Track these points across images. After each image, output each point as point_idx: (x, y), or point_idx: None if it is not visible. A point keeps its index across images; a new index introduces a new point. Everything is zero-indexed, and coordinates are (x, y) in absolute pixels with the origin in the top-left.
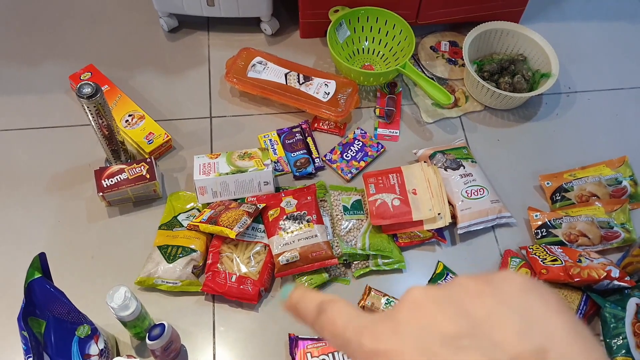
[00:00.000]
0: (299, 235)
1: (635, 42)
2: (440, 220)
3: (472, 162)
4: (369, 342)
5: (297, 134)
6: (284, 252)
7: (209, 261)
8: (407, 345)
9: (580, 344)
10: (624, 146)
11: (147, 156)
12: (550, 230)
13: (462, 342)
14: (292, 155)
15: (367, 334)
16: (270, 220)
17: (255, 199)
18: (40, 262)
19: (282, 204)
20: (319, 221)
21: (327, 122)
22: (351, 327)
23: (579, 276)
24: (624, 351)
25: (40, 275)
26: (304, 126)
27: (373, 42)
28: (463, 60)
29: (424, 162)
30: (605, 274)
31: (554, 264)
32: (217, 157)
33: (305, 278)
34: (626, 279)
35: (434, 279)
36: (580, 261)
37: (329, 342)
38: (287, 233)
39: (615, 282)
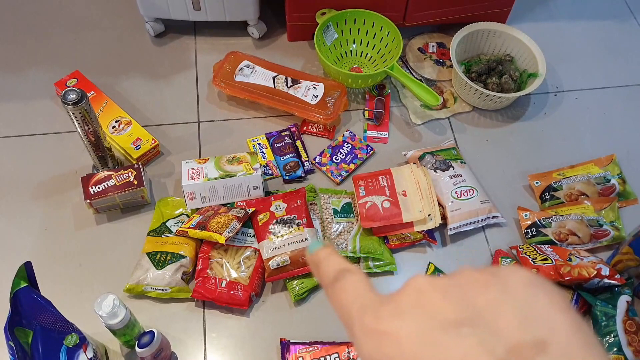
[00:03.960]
0: (289, 239)
1: (622, 41)
2: (430, 221)
3: (462, 162)
4: (370, 321)
5: (286, 138)
6: (274, 256)
7: (199, 267)
8: (406, 329)
9: (581, 340)
10: (611, 144)
11: (134, 162)
12: (540, 229)
13: (463, 330)
14: (282, 158)
15: (370, 314)
16: (260, 224)
17: (244, 203)
18: (26, 271)
19: (272, 208)
20: (309, 225)
21: (316, 125)
22: (358, 303)
23: (570, 275)
24: (615, 349)
25: (26, 284)
26: (292, 129)
27: (361, 44)
28: (451, 61)
29: (414, 163)
30: (595, 272)
31: (545, 263)
32: (205, 162)
33: (296, 282)
34: (616, 276)
35: None
36: (570, 260)
37: (335, 312)
38: (277, 237)
39: (606, 280)
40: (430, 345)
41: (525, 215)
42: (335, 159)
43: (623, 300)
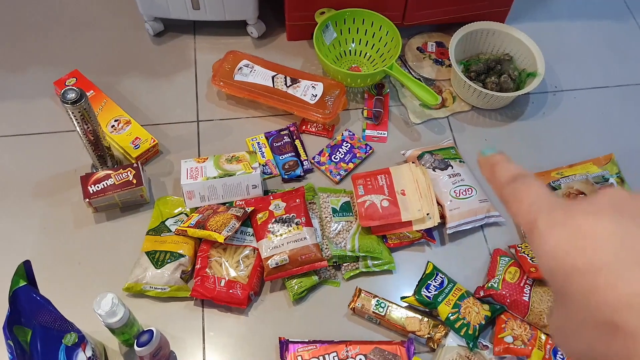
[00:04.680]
0: (288, 238)
1: (621, 40)
2: (429, 220)
3: (460, 162)
4: (561, 215)
5: (285, 137)
6: (273, 255)
7: (198, 266)
8: (606, 227)
9: None
10: (610, 144)
11: (133, 161)
12: None
13: None
14: (281, 158)
15: (561, 209)
16: (259, 223)
17: (243, 202)
18: (25, 270)
19: (271, 207)
20: (308, 224)
21: (315, 125)
22: (545, 201)
23: None
24: None
25: (25, 283)
26: (292, 129)
27: (360, 43)
28: (450, 60)
29: (412, 162)
30: None
31: None
32: (204, 161)
33: (294, 281)
34: None
35: (423, 280)
36: None
37: (509, 209)
38: (276, 236)
39: None
40: (632, 250)
41: None
42: (334, 158)
43: None
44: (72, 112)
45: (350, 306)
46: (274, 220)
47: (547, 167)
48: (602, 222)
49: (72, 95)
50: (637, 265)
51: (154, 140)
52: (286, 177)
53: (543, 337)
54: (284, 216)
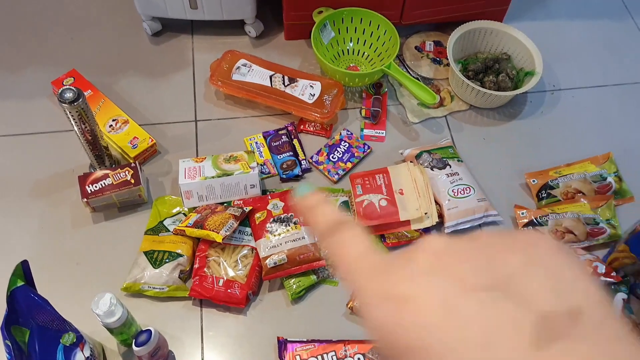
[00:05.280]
0: (286, 237)
1: (618, 39)
2: (427, 219)
3: (458, 161)
4: (383, 284)
5: (283, 136)
6: (271, 254)
7: (196, 265)
8: (427, 293)
9: (610, 313)
10: (608, 143)
11: (131, 161)
12: (536, 227)
13: (488, 295)
14: (279, 157)
15: (383, 276)
16: (257, 223)
17: (241, 202)
18: (23, 270)
19: (269, 207)
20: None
21: (313, 124)
22: (365, 262)
23: None
24: None
25: (23, 283)
26: (290, 128)
27: (358, 43)
28: (448, 60)
29: (411, 162)
30: (591, 270)
31: None
32: (202, 161)
33: (293, 280)
34: (612, 274)
35: None
36: None
37: (332, 264)
38: (274, 236)
39: (602, 278)
40: (454, 313)
41: (522, 213)
42: (332, 157)
43: (619, 298)
44: (70, 112)
45: (349, 305)
46: (272, 219)
47: (545, 166)
48: (423, 288)
49: (69, 95)
50: (467, 342)
51: (152, 140)
52: (284, 176)
53: None
54: (282, 216)
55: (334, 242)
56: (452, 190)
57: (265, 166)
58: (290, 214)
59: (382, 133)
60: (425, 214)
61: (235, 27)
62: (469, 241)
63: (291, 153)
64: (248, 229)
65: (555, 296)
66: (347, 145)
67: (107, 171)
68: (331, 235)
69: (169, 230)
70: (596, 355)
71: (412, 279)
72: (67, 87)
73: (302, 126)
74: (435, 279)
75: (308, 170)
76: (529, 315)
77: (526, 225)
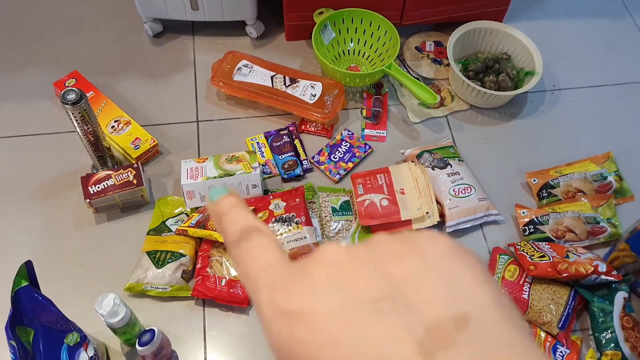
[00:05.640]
0: (288, 237)
1: (618, 39)
2: (428, 219)
3: (459, 160)
4: (280, 300)
5: (284, 137)
6: None
7: (199, 265)
8: (321, 307)
9: (502, 314)
10: (608, 142)
11: (133, 162)
12: (537, 226)
13: (380, 306)
14: (280, 157)
15: (281, 291)
16: None
17: None
18: (27, 271)
19: (271, 207)
20: (308, 223)
21: (314, 124)
22: (267, 275)
23: (567, 271)
24: (612, 345)
25: (27, 283)
26: (291, 128)
27: (358, 43)
28: (448, 60)
29: (412, 161)
30: (592, 268)
31: (542, 260)
32: (204, 161)
33: None
34: (613, 273)
35: None
36: (567, 257)
37: (240, 276)
38: (276, 235)
39: (603, 277)
40: (347, 326)
41: (523, 212)
42: (333, 157)
43: (620, 297)
44: (72, 113)
45: None
46: (274, 219)
47: (545, 166)
48: (317, 302)
49: (72, 96)
50: (360, 357)
51: (154, 141)
52: (286, 176)
53: (542, 334)
54: (284, 215)
55: (240, 251)
56: (453, 190)
57: (266, 166)
58: (292, 214)
59: (383, 133)
60: (427, 213)
61: (236, 28)
62: (367, 248)
63: (292, 153)
64: None
65: (449, 302)
66: (348, 145)
67: (110, 172)
68: (238, 245)
69: (171, 231)
70: None
71: (308, 291)
72: (70, 88)
73: (303, 126)
74: (330, 290)
75: (309, 170)
76: (418, 324)
77: (527, 224)
